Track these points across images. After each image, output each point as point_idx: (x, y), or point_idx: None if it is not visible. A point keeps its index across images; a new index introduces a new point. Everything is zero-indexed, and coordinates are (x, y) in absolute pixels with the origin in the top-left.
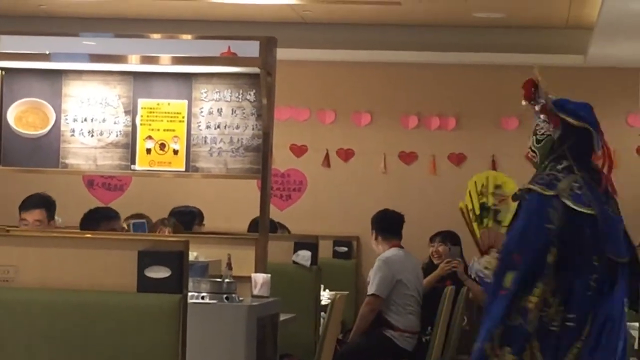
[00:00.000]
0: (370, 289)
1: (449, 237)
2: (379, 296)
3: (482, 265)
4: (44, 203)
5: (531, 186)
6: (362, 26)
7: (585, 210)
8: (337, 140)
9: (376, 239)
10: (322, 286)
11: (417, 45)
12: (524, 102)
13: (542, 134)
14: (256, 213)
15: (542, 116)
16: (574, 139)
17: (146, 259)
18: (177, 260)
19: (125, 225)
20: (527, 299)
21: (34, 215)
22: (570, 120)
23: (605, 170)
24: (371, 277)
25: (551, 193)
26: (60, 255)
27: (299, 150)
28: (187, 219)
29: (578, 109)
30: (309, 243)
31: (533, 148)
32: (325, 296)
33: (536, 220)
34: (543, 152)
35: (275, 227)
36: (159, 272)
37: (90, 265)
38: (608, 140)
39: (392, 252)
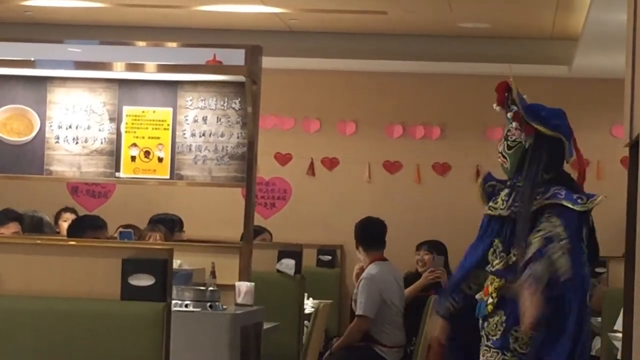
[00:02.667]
0: (359, 310)
1: (435, 247)
2: (367, 317)
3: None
4: (17, 217)
5: (565, 203)
6: (348, 35)
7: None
8: (322, 149)
9: (357, 248)
10: (305, 295)
11: (403, 55)
12: (497, 107)
13: (514, 141)
14: (240, 221)
15: (514, 123)
16: (546, 147)
17: (130, 266)
18: (161, 268)
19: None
20: None
21: (11, 228)
22: (542, 129)
23: (578, 179)
24: (357, 296)
25: (582, 209)
26: (44, 262)
27: (283, 159)
28: (166, 226)
29: (551, 116)
30: (293, 251)
31: (504, 153)
32: (309, 305)
33: (576, 240)
34: (514, 159)
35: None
36: (143, 280)
37: (75, 273)
38: (593, 152)
39: (374, 268)
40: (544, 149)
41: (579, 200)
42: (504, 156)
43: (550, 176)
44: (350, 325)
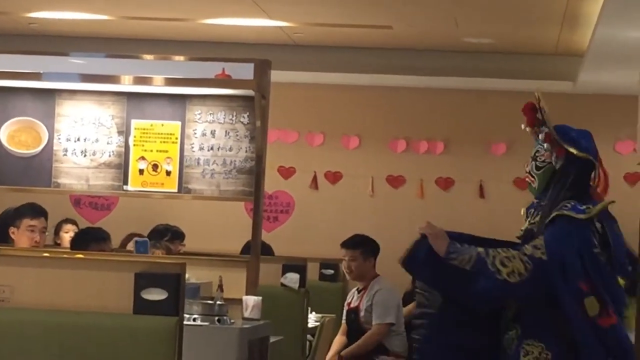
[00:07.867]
0: (381, 319)
1: None
2: (389, 324)
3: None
4: (45, 213)
5: (563, 212)
6: (353, 49)
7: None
8: (325, 163)
9: (369, 260)
10: (309, 309)
11: (407, 69)
12: (526, 129)
13: (543, 161)
14: (242, 234)
15: (545, 144)
16: (575, 169)
17: (143, 281)
18: (174, 282)
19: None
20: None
21: (42, 222)
22: (574, 151)
23: (601, 193)
24: (375, 306)
25: (584, 217)
26: (57, 275)
27: (286, 172)
28: (167, 237)
29: (581, 137)
30: (298, 265)
31: (532, 173)
32: (312, 319)
33: (583, 244)
34: (542, 179)
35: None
36: (155, 295)
37: (87, 287)
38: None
39: (383, 281)
40: (573, 170)
41: (585, 210)
42: (532, 176)
43: (572, 194)
44: (369, 333)
